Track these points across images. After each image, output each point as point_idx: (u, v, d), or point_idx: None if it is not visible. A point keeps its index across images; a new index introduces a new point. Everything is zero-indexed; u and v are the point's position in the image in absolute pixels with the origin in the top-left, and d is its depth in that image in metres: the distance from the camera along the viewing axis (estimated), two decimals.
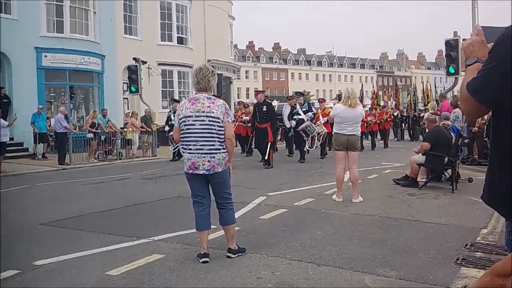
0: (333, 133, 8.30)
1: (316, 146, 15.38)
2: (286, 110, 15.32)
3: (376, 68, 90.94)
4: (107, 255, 5.00)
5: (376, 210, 7.14)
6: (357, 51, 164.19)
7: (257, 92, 14.78)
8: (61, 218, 6.93)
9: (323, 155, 15.68)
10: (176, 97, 24.75)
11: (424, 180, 9.32)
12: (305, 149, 14.71)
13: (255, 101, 16.99)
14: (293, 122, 14.83)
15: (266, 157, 13.13)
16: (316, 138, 15.03)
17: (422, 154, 9.30)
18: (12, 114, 16.92)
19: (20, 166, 14.66)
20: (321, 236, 5.67)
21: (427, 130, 10.13)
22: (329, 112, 15.82)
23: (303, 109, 14.95)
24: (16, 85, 18.02)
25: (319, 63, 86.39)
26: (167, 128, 16.50)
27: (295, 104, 15.09)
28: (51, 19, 19.27)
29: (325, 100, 18.22)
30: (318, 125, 15.22)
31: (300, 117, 14.70)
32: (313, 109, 16.14)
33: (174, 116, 13.01)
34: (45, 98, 19.07)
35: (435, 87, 29.82)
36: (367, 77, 78.17)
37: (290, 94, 24.87)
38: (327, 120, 15.79)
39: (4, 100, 17.52)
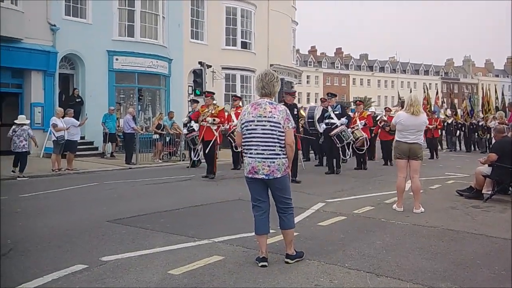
0: (395, 141, 8.16)
1: (350, 156, 14.26)
2: (318, 113, 13.76)
3: (441, 75, 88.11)
4: (170, 254, 5.15)
5: (438, 222, 6.96)
6: (421, 57, 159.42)
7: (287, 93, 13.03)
8: (126, 216, 7.22)
9: (365, 164, 14.60)
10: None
11: (489, 192, 8.93)
12: (342, 158, 13.67)
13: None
14: (323, 126, 13.25)
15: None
16: (351, 145, 13.99)
17: (489, 165, 8.96)
18: (84, 114, 17.79)
19: (89, 164, 15.41)
20: (381, 245, 5.61)
21: (493, 141, 9.74)
22: (367, 116, 15.37)
23: (336, 112, 13.31)
24: (89, 86, 18.96)
25: (382, 69, 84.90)
26: (185, 131, 15.24)
27: (327, 107, 13.51)
28: (123, 23, 20.17)
29: (362, 102, 17.24)
30: (356, 129, 14.48)
31: (332, 121, 13.21)
32: (349, 113, 14.98)
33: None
34: (115, 100, 19.94)
35: (503, 95, 28.30)
36: (431, 84, 75.79)
37: (352, 100, 24.48)
38: (365, 124, 14.99)
39: (77, 100, 18.51)
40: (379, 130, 16.43)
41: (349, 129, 13.72)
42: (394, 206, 7.93)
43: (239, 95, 17.10)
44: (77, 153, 14.48)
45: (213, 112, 12.39)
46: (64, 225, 6.67)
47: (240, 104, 15.41)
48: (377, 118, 17.35)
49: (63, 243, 5.65)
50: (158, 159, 16.47)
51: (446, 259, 5.10)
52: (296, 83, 33.00)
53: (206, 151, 12.43)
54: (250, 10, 26.15)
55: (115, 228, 6.42)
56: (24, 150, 12.60)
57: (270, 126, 4.71)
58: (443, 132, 23.95)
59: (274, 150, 4.71)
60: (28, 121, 13.48)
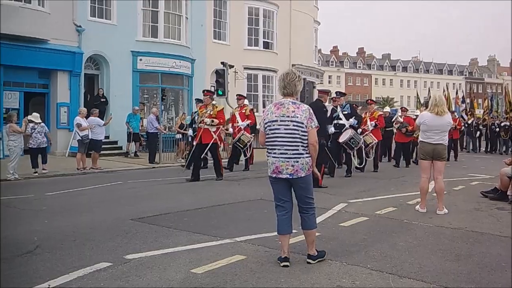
0: (418, 141, 8.08)
1: (360, 162, 13.44)
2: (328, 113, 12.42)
3: (465, 75, 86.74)
4: (192, 253, 5.20)
5: (461, 223, 6.88)
6: (445, 56, 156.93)
7: (323, 92, 11.90)
8: (150, 214, 7.30)
9: (376, 167, 13.98)
10: (260, 101, 25.23)
11: None
12: (353, 166, 12.94)
13: None
14: (332, 129, 12.09)
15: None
16: (362, 149, 13.20)
17: None
18: (108, 113, 18.05)
19: (114, 163, 15.63)
20: (403, 247, 5.57)
21: None
22: (379, 116, 14.58)
23: (345, 112, 12.58)
24: (113, 86, 19.24)
25: (404, 69, 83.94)
26: (190, 132, 14.59)
27: (336, 106, 12.71)
28: (147, 24, 20.41)
29: (374, 101, 16.06)
30: (366, 135, 13.67)
31: (341, 122, 12.50)
32: (359, 113, 14.14)
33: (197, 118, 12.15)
34: (138, 100, 20.17)
35: None
36: (454, 84, 74.68)
37: (374, 99, 24.04)
38: (376, 125, 14.09)
39: (102, 100, 18.79)
40: (395, 131, 16.07)
41: (359, 130, 13.18)
42: (417, 207, 7.86)
43: (243, 94, 16.35)
44: (102, 152, 14.69)
45: (211, 112, 11.75)
46: (89, 223, 6.79)
47: (245, 103, 14.80)
48: (393, 119, 16.87)
49: (87, 241, 5.75)
50: (181, 158, 16.61)
51: (470, 261, 5.04)
52: (318, 83, 32.90)
53: (202, 155, 11.97)
54: (272, 10, 26.17)
55: (139, 227, 6.50)
56: (45, 145, 13.05)
57: (293, 125, 4.72)
58: (464, 132, 23.29)
59: (297, 149, 4.72)
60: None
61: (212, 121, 11.63)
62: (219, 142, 12.06)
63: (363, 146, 13.26)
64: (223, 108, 12.39)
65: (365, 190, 10.11)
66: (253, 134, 14.32)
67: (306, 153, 4.76)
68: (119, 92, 19.22)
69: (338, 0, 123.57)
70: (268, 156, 4.93)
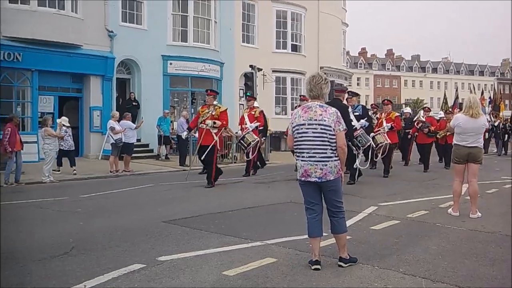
0: (453, 144, 7.96)
1: (368, 162, 13.04)
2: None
3: (497, 75, 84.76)
4: (224, 255, 5.26)
5: (495, 227, 6.75)
6: (476, 57, 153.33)
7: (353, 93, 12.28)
8: (181, 217, 7.41)
9: (387, 173, 13.04)
10: (289, 104, 25.22)
11: None
12: (355, 166, 11.30)
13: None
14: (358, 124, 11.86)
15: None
16: (371, 150, 12.45)
17: None
18: (139, 117, 18.33)
19: (145, 166, 15.88)
20: (436, 251, 5.51)
21: None
22: (395, 117, 13.48)
23: (356, 113, 11.96)
24: (144, 90, 19.53)
25: (434, 70, 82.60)
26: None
27: (348, 107, 11.56)
28: (177, 29, 20.66)
29: (391, 102, 14.66)
30: (380, 133, 12.88)
31: (351, 123, 11.48)
32: (372, 116, 13.71)
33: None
34: (169, 103, 20.43)
35: None
36: (486, 85, 73.08)
37: (403, 101, 23.54)
38: (392, 127, 13.08)
39: (133, 104, 19.10)
40: (416, 132, 15.48)
41: (372, 133, 12.61)
42: (450, 210, 7.75)
43: (253, 96, 15.80)
44: (133, 155, 14.93)
45: (213, 113, 11.08)
46: (122, 225, 6.93)
47: (255, 104, 14.02)
48: (414, 119, 16.28)
49: (121, 242, 5.87)
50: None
51: (505, 266, 4.95)
52: (347, 85, 32.72)
53: (202, 157, 11.28)
54: (300, 13, 26.15)
55: (171, 229, 6.60)
56: (73, 148, 13.86)
57: (321, 129, 4.72)
58: (491, 135, 22.42)
59: (325, 153, 4.72)
60: None
61: (214, 122, 10.98)
62: (218, 145, 11.30)
63: (373, 146, 12.48)
64: (226, 109, 11.70)
65: (396, 193, 10.01)
66: (264, 138, 13.91)
67: (335, 156, 4.76)
68: (150, 95, 19.50)
69: (366, 1, 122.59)
70: (297, 160, 4.95)
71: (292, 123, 4.93)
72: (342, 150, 4.78)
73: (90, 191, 10.33)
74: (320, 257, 4.85)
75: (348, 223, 5.82)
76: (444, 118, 16.55)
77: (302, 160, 4.84)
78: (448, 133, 14.91)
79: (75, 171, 13.33)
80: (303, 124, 4.80)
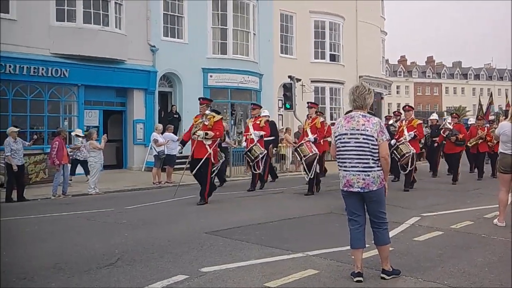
0: (498, 152, 7.77)
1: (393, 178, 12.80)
2: None
3: None
4: (265, 267, 5.29)
5: None
6: None
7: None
8: (223, 228, 7.48)
9: (410, 185, 12.08)
10: (328, 114, 25.10)
11: None
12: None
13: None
14: (394, 141, 11.54)
15: None
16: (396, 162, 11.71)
17: None
18: (181, 129, 18.66)
19: (187, 177, 16.06)
20: (482, 263, 5.39)
21: None
22: (418, 125, 12.54)
23: None
24: (186, 103, 19.85)
25: (476, 76, 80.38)
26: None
27: None
28: (216, 41, 21.02)
29: (412, 108, 13.61)
30: (402, 143, 11.90)
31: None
32: (393, 124, 13.43)
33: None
34: None
35: None
36: None
37: (444, 109, 22.93)
38: (415, 136, 12.15)
39: (175, 116, 19.49)
40: (444, 141, 14.55)
41: (393, 141, 11.70)
42: (495, 221, 7.55)
43: (259, 104, 15.38)
44: (175, 166, 15.19)
45: (207, 123, 10.25)
46: (166, 236, 7.07)
47: (263, 113, 13.51)
48: (440, 126, 15.47)
49: (165, 253, 5.98)
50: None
51: None
52: (386, 94, 32.32)
53: (194, 171, 10.44)
54: (338, 23, 26.08)
55: (213, 240, 6.68)
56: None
57: (363, 139, 4.72)
58: None
59: (368, 163, 4.72)
60: None
61: (206, 133, 10.12)
62: (213, 159, 10.40)
63: (397, 158, 11.71)
64: (221, 119, 10.75)
65: (439, 204, 9.82)
66: (276, 149, 13.29)
67: (377, 166, 4.74)
68: (191, 108, 19.78)
69: (405, 7, 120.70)
70: (339, 170, 4.95)
71: (335, 133, 4.95)
72: (385, 160, 4.76)
73: (134, 203, 10.60)
74: (363, 269, 4.82)
75: (391, 234, 5.74)
76: (475, 125, 15.99)
77: (344, 170, 4.85)
78: (480, 141, 14.93)
79: (88, 180, 13.43)
80: (345, 134, 4.81)
